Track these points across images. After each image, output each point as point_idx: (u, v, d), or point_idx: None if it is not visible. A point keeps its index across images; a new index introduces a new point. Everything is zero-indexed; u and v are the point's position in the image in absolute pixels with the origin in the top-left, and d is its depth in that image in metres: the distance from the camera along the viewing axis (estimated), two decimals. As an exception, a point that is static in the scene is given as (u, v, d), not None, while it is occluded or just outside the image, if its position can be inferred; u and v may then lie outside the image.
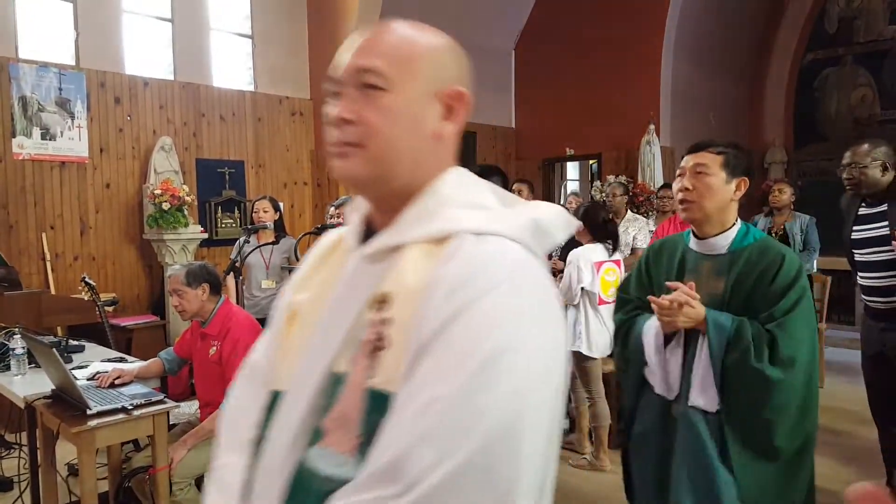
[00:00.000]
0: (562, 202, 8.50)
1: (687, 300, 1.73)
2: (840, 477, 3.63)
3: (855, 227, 3.19)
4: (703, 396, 1.73)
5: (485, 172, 2.94)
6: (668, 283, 1.80)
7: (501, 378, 0.68)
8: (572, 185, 10.42)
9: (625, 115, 8.16)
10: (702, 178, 1.81)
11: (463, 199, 0.83)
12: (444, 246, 0.77)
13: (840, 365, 5.99)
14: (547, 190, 9.17)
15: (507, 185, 3.06)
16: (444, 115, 0.87)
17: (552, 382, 0.74)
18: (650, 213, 7.00)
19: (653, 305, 1.79)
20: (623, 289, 2.12)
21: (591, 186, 8.69)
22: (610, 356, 3.78)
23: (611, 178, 7.74)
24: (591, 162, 9.26)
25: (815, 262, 5.20)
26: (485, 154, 8.90)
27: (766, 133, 10.32)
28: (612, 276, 3.83)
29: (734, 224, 1.84)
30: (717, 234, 1.84)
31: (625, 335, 1.97)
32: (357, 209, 0.94)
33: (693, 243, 1.90)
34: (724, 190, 1.81)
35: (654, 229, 5.28)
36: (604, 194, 7.41)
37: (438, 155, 0.88)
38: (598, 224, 3.87)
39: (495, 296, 0.71)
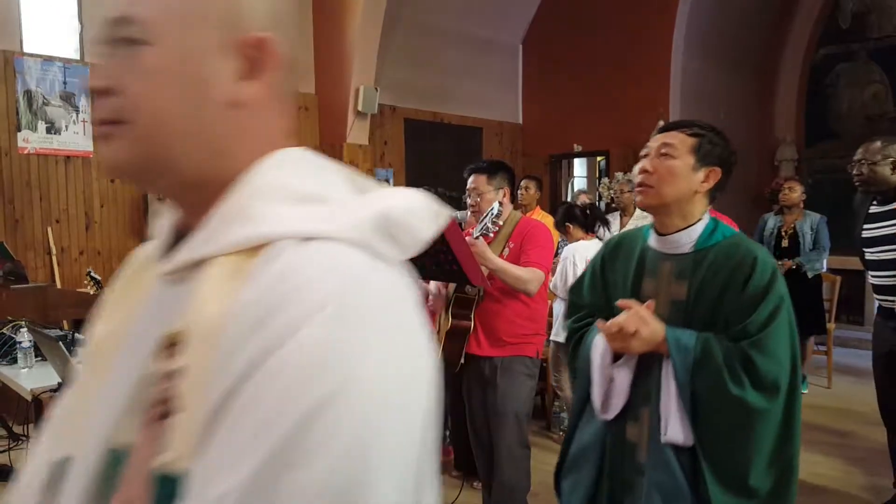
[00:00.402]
0: (569, 199, 8.46)
1: (638, 327, 1.47)
2: (847, 478, 3.59)
3: (865, 226, 3.16)
4: (680, 430, 1.46)
5: (492, 168, 2.92)
6: (619, 303, 1.54)
7: (326, 441, 0.49)
8: (579, 182, 10.37)
9: (634, 111, 8.10)
10: (665, 161, 1.55)
11: (289, 189, 0.61)
12: (257, 258, 0.56)
13: (848, 365, 5.94)
14: (554, 186, 9.12)
15: (514, 182, 3.03)
16: (242, 73, 0.63)
17: (409, 422, 0.54)
18: (658, 210, 6.95)
19: (598, 327, 1.56)
20: (575, 291, 1.86)
21: (599, 183, 8.65)
22: None
23: (619, 174, 7.68)
24: (598, 158, 9.21)
25: (825, 261, 5.14)
26: (491, 150, 8.87)
27: (776, 130, 10.22)
28: None
29: (700, 219, 1.58)
30: (679, 230, 1.57)
31: (574, 346, 1.75)
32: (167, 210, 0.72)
33: (653, 240, 1.63)
34: (689, 177, 1.54)
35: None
36: (611, 191, 7.37)
37: (246, 129, 0.64)
38: (582, 218, 3.94)
39: (315, 326, 0.51)
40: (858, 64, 9.54)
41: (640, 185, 1.59)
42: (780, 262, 4.96)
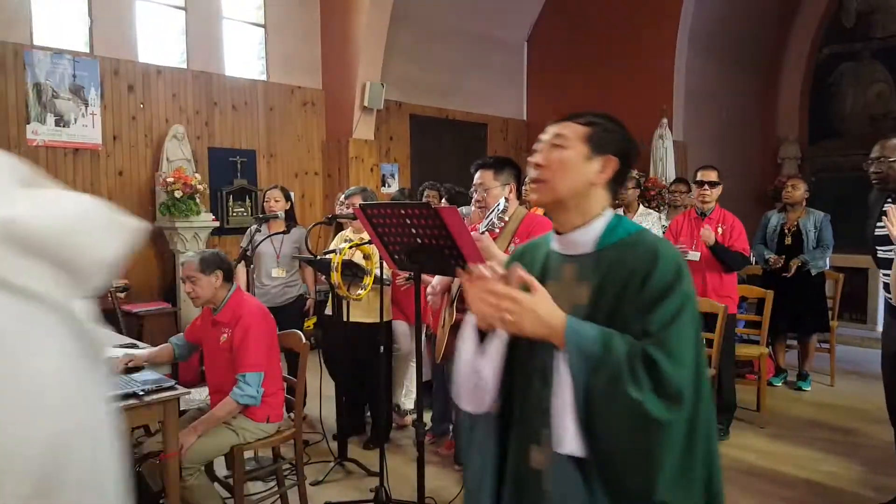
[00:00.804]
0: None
1: (538, 286, 1.30)
2: (851, 476, 3.61)
3: (878, 224, 3.15)
4: (575, 438, 1.27)
5: (499, 164, 2.95)
6: (518, 274, 1.35)
7: None
8: (583, 179, 10.37)
9: (637, 109, 8.09)
10: (556, 152, 1.41)
11: None
12: None
13: (851, 363, 5.96)
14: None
15: (521, 178, 3.05)
16: None
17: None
18: (662, 208, 6.97)
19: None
20: None
21: (603, 180, 8.65)
22: None
23: (622, 171, 7.69)
24: (602, 155, 9.21)
25: (828, 259, 5.15)
26: (495, 146, 8.88)
27: (779, 128, 10.22)
28: None
29: (600, 215, 1.41)
30: (577, 228, 1.41)
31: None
32: None
33: (555, 242, 1.48)
34: (583, 168, 1.39)
35: (666, 224, 5.25)
36: (615, 188, 7.37)
37: None
38: None
39: None
40: (862, 63, 9.53)
41: (532, 180, 1.44)
42: (780, 257, 4.97)
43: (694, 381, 1.26)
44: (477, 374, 1.41)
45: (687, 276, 1.32)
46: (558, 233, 1.46)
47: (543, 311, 1.29)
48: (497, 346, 1.40)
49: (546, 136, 1.45)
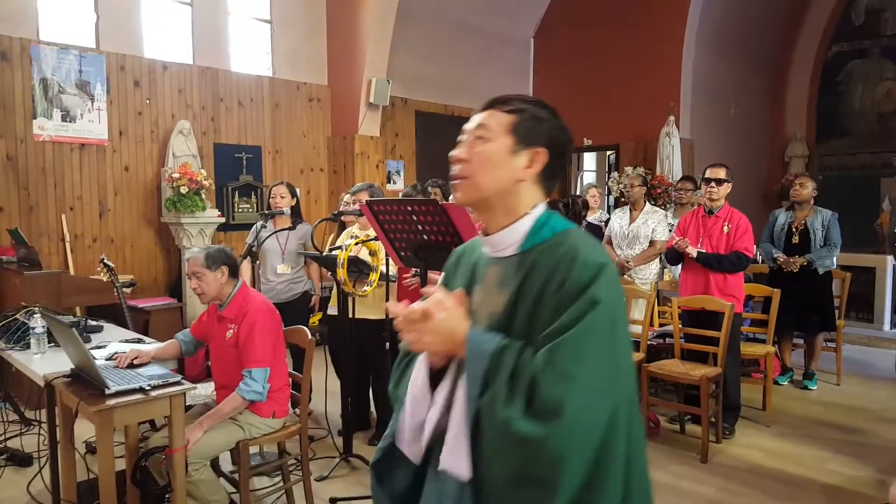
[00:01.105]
0: (579, 192, 8.46)
1: (430, 310, 1.16)
2: (857, 476, 3.60)
3: None
4: (461, 458, 1.17)
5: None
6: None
7: None
8: (589, 177, 10.36)
9: (644, 106, 8.08)
10: (479, 145, 1.26)
11: None
12: None
13: (858, 362, 5.93)
14: (563, 180, 9.11)
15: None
16: None
17: None
18: (668, 206, 6.94)
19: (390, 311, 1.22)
20: None
21: (609, 177, 8.64)
22: None
23: (629, 169, 7.68)
24: (608, 153, 9.19)
25: (835, 258, 5.12)
26: (501, 143, 8.85)
27: (787, 126, 10.17)
28: None
29: (527, 214, 1.27)
30: (502, 228, 1.27)
31: (401, 374, 1.37)
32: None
33: (483, 243, 1.34)
34: (508, 163, 1.25)
35: (673, 222, 5.23)
36: (621, 185, 7.36)
37: None
38: (563, 211, 3.98)
39: None
40: (871, 61, 9.47)
41: (454, 177, 1.29)
42: (791, 260, 4.95)
43: (596, 398, 1.10)
44: (418, 413, 1.26)
45: (607, 282, 1.15)
46: (486, 233, 1.32)
47: (446, 328, 1.17)
48: (443, 394, 1.23)
49: (470, 126, 1.30)
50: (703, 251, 4.13)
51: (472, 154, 1.27)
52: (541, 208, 1.29)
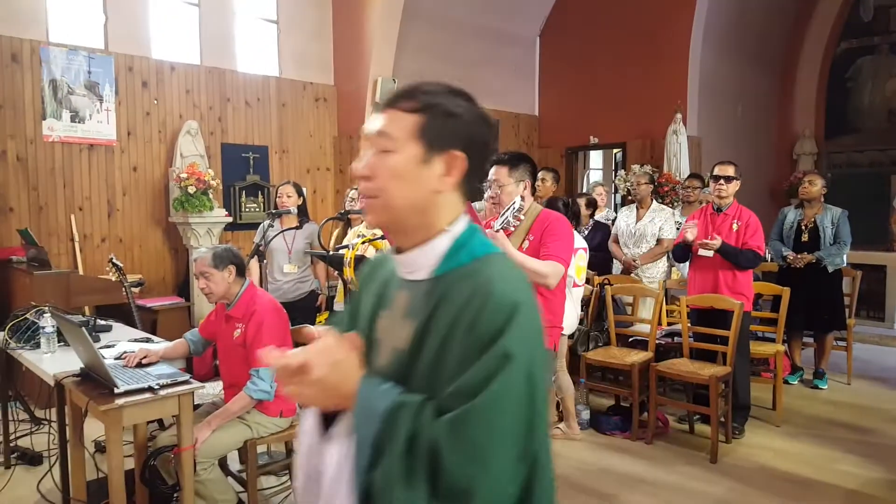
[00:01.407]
0: (585, 191, 8.43)
1: (309, 362, 0.96)
2: (868, 475, 3.57)
3: None
4: None
5: (514, 160, 2.92)
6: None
7: None
8: (595, 175, 10.33)
9: (651, 104, 8.04)
10: (382, 159, 1.05)
11: None
12: None
13: (869, 361, 5.88)
14: (569, 179, 9.09)
15: (535, 174, 3.02)
16: None
17: None
18: (675, 204, 6.91)
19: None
20: (339, 321, 1.28)
21: (615, 176, 8.61)
22: (571, 336, 4.33)
23: (636, 167, 7.65)
24: (615, 151, 9.16)
25: (845, 256, 5.08)
26: (507, 141, 8.85)
27: (796, 123, 10.11)
28: (583, 262, 4.09)
29: (445, 231, 1.07)
30: (416, 246, 1.08)
31: None
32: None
33: (395, 261, 1.15)
34: (421, 175, 1.04)
35: (681, 220, 5.20)
36: (628, 183, 7.34)
37: None
38: (563, 210, 4.01)
39: None
40: (880, 57, 9.41)
41: (361, 195, 1.10)
42: (799, 256, 4.91)
43: (507, 478, 0.94)
44: (311, 466, 1.06)
45: (522, 328, 0.95)
46: (398, 250, 1.11)
47: (331, 381, 0.97)
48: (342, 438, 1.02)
49: (370, 133, 1.08)
50: (726, 243, 4.05)
51: (376, 170, 1.05)
52: (461, 224, 1.09)
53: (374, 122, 1.08)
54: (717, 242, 4.00)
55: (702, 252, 4.09)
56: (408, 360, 1.04)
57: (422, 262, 1.08)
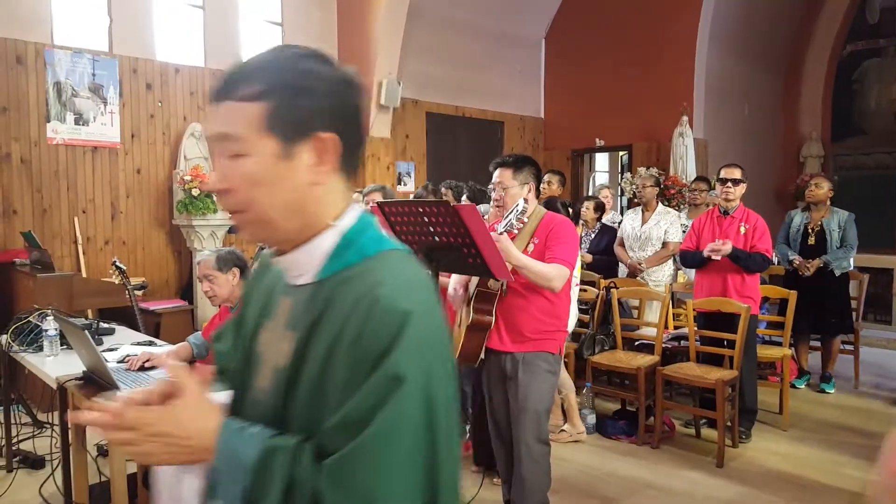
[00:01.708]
0: (590, 194, 8.39)
1: (145, 418, 0.82)
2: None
3: None
4: None
5: (518, 163, 2.90)
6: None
7: None
8: (601, 177, 10.30)
9: (657, 106, 8.02)
10: (235, 164, 0.87)
11: None
12: None
13: (876, 365, 5.84)
14: (575, 182, 9.06)
15: (540, 177, 3.00)
16: None
17: None
18: (682, 206, 6.88)
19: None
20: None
21: (621, 178, 8.58)
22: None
23: (642, 169, 7.61)
24: (621, 153, 9.14)
25: (852, 259, 5.05)
26: (512, 144, 8.83)
27: (802, 126, 10.07)
28: (580, 262, 4.13)
29: (328, 227, 0.91)
30: (298, 246, 0.92)
31: None
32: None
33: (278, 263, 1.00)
34: (286, 173, 0.87)
35: (687, 223, 5.17)
36: (634, 186, 7.31)
37: None
38: (564, 212, 3.98)
39: None
40: (886, 60, 9.36)
41: (227, 210, 0.92)
42: (807, 264, 4.87)
43: None
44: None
45: (413, 342, 0.80)
46: (279, 251, 0.95)
47: (176, 434, 0.82)
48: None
49: (212, 136, 0.89)
50: (736, 248, 4.01)
51: (232, 180, 0.87)
52: (350, 217, 0.93)
53: (211, 121, 0.89)
54: (728, 247, 3.97)
55: (712, 255, 4.06)
56: (285, 385, 0.88)
57: (304, 265, 0.91)
